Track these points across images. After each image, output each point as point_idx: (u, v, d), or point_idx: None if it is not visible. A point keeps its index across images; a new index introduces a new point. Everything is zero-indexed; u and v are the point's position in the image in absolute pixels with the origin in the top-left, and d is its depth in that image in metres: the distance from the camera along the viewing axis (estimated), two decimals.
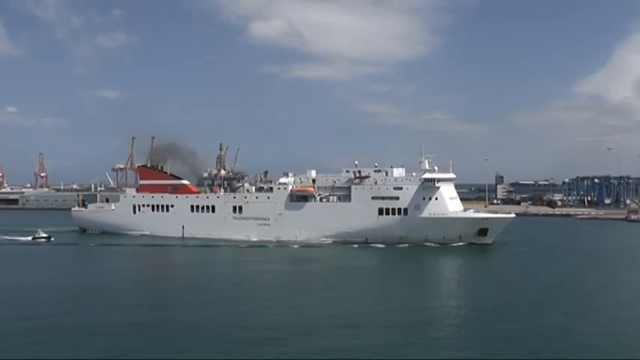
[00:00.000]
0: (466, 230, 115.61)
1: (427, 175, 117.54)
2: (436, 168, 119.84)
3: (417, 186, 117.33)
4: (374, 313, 61.73)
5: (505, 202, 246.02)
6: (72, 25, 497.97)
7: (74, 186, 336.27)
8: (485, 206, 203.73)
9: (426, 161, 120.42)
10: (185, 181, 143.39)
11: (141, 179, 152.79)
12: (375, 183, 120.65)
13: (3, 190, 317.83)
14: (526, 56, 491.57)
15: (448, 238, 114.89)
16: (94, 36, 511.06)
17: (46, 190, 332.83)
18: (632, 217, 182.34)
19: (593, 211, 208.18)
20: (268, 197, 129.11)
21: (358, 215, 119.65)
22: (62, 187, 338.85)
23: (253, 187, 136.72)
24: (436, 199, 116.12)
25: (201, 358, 47.37)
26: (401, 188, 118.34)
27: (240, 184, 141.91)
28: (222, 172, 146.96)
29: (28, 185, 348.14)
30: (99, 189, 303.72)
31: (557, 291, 72.19)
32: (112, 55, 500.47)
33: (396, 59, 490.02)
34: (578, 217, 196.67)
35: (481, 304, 65.33)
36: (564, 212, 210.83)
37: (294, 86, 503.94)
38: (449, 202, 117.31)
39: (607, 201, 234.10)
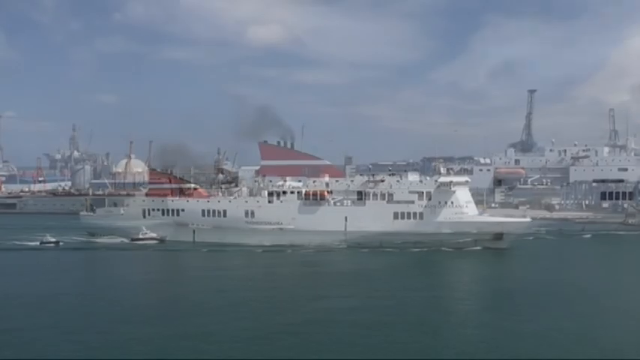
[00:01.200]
0: (482, 234, 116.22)
1: (443, 179, 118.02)
2: (451, 172, 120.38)
3: (432, 190, 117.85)
4: (381, 314, 63.45)
5: (503, 205, 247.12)
6: (71, 29, 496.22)
7: (72, 190, 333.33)
8: (483, 210, 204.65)
9: (441, 165, 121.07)
10: (195, 185, 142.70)
11: (150, 183, 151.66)
12: (390, 187, 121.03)
13: (1, 194, 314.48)
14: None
15: (464, 243, 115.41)
16: (93, 40, 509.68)
17: (43, 194, 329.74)
18: (630, 221, 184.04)
19: (590, 215, 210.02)
20: (281, 201, 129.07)
21: (373, 219, 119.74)
22: (60, 192, 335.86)
23: (249, 191, 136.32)
24: (452, 203, 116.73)
25: (202, 358, 47.90)
26: (416, 192, 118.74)
27: (238, 189, 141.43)
28: (220, 175, 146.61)
29: (26, 189, 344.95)
30: (96, 192, 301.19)
31: (564, 293, 74.72)
32: (111, 58, 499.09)
33: (396, 63, 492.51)
34: (576, 221, 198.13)
35: (495, 306, 67.84)
36: (562, 216, 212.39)
37: (293, 90, 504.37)
38: (464, 206, 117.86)
39: (605, 205, 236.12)
